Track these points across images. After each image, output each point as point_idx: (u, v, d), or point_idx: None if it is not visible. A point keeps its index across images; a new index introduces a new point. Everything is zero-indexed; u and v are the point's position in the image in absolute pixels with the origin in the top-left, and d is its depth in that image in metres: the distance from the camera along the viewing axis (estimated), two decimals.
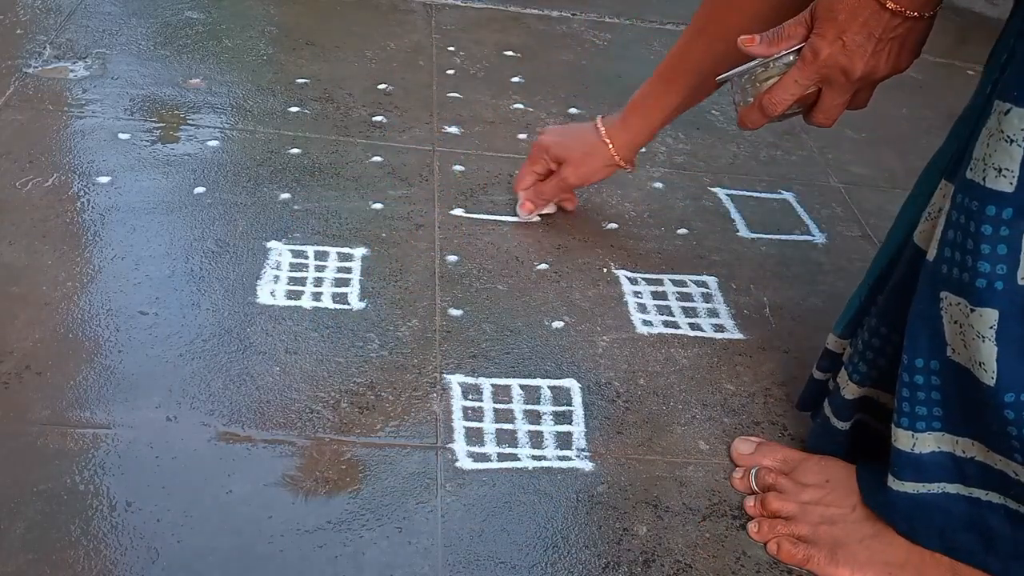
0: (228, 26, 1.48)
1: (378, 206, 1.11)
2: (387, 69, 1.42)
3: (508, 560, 0.73)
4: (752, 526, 0.79)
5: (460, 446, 0.82)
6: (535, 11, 1.67)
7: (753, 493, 0.82)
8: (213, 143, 1.18)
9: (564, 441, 0.85)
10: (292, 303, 0.95)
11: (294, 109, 1.28)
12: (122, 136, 1.17)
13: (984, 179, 0.65)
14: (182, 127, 1.21)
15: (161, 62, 1.35)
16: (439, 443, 0.82)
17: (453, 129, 1.29)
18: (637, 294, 1.04)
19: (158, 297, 0.93)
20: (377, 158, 1.20)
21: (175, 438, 0.79)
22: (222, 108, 1.26)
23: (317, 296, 0.97)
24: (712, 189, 1.24)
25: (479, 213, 1.13)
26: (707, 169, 1.28)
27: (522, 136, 1.30)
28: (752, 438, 0.87)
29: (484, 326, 0.96)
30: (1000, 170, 0.64)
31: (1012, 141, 0.63)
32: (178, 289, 0.95)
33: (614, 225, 1.14)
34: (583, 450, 0.84)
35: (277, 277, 0.98)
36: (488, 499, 0.78)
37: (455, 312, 0.97)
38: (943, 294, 0.69)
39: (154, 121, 1.21)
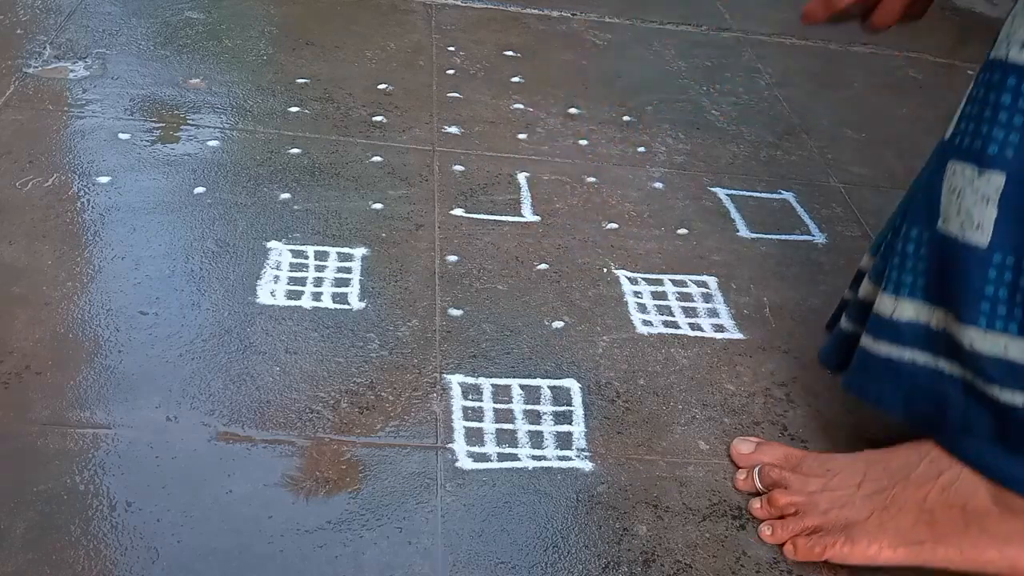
0: (228, 26, 1.48)
1: (378, 206, 1.11)
2: (387, 69, 1.42)
3: (508, 560, 0.73)
4: (765, 529, 0.78)
5: (460, 446, 0.82)
6: (535, 11, 1.67)
7: (758, 494, 0.82)
8: (213, 143, 1.18)
9: (564, 441, 0.85)
10: (292, 303, 0.95)
11: (294, 109, 1.28)
12: (122, 136, 1.17)
13: (1008, 55, 0.68)
14: (182, 127, 1.21)
15: (161, 62, 1.35)
16: (439, 443, 0.82)
17: (453, 129, 1.29)
18: (637, 294, 1.04)
19: (158, 297, 0.94)
20: (377, 158, 1.20)
21: (175, 438, 0.79)
22: (222, 108, 1.26)
23: (317, 296, 0.97)
24: (712, 189, 1.24)
25: (479, 213, 1.13)
26: (707, 169, 1.28)
27: (522, 136, 1.30)
28: (751, 438, 0.87)
29: (484, 326, 0.96)
30: (1023, 45, 0.67)
31: None
32: (178, 289, 0.95)
33: (614, 225, 1.14)
34: (583, 450, 0.84)
35: (277, 277, 0.98)
36: (488, 499, 0.78)
37: (455, 312, 0.97)
38: (950, 163, 0.72)
39: (154, 121, 1.21)
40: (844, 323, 0.87)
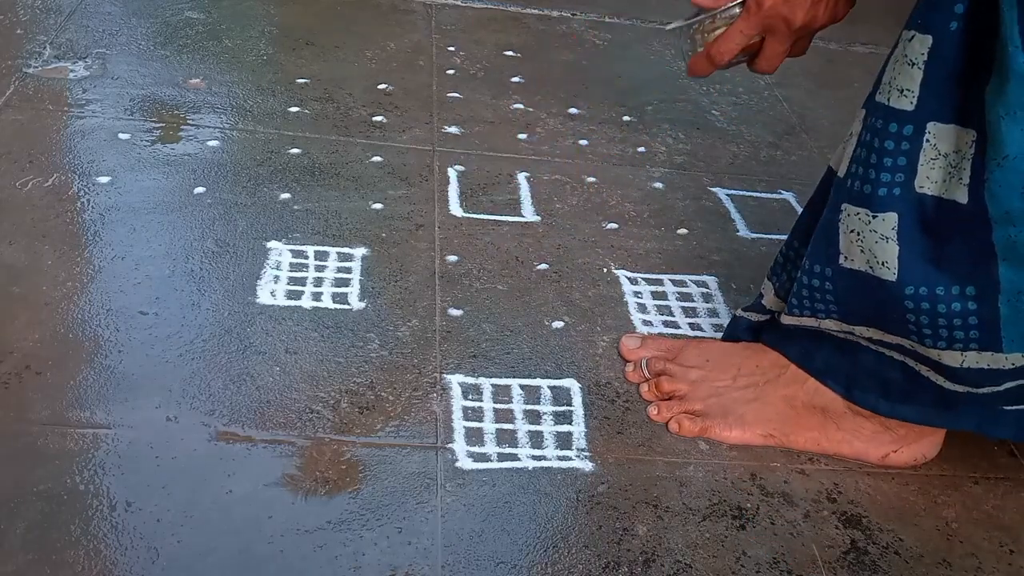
0: (228, 26, 1.48)
1: (378, 206, 1.11)
2: (387, 69, 1.42)
3: (508, 560, 0.73)
4: (652, 409, 0.88)
5: (460, 446, 0.82)
6: (535, 11, 1.67)
7: (646, 380, 0.91)
8: (213, 143, 1.18)
9: (564, 441, 0.85)
10: (292, 303, 0.95)
11: (294, 109, 1.28)
12: (122, 136, 1.17)
13: (889, 99, 0.74)
14: (182, 127, 1.21)
15: (161, 62, 1.35)
16: (439, 443, 0.82)
17: (453, 129, 1.29)
18: (637, 294, 1.04)
19: (158, 297, 0.93)
20: (377, 158, 1.20)
21: (175, 438, 0.79)
22: (222, 108, 1.26)
23: (317, 296, 0.97)
24: (712, 189, 1.24)
25: (479, 213, 1.13)
26: (707, 169, 1.28)
27: (522, 136, 1.30)
28: (637, 334, 0.96)
29: (484, 326, 0.96)
30: (903, 91, 0.73)
31: (913, 64, 0.72)
32: (178, 289, 0.95)
33: (614, 225, 1.14)
34: (583, 450, 0.84)
35: (277, 277, 0.98)
36: (488, 499, 0.78)
37: (455, 312, 0.97)
38: (844, 206, 0.77)
39: (154, 121, 1.21)
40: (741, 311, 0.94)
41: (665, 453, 0.85)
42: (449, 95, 1.37)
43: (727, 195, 1.23)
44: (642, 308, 1.02)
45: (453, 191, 1.16)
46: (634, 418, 0.88)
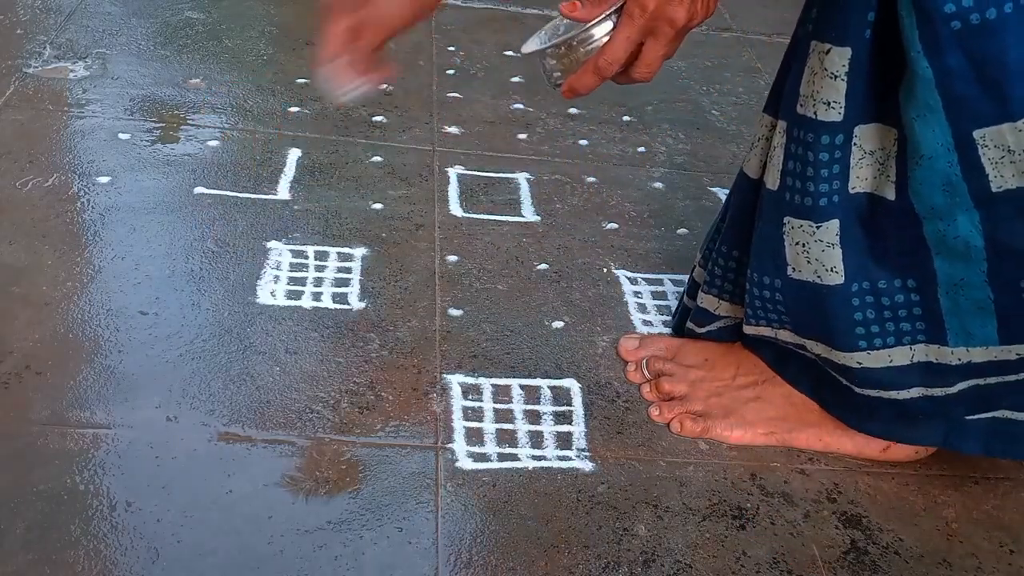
0: (228, 26, 1.48)
1: (378, 206, 1.11)
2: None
3: (508, 560, 0.73)
4: (653, 410, 0.88)
5: (460, 446, 0.82)
6: (535, 11, 1.67)
7: (647, 381, 0.91)
8: (213, 143, 1.18)
9: (564, 441, 0.85)
10: (292, 303, 0.95)
11: (294, 109, 1.28)
12: (122, 136, 1.17)
13: (816, 113, 0.74)
14: (182, 127, 1.21)
15: (161, 62, 1.35)
16: (439, 443, 0.82)
17: (453, 129, 1.29)
18: (637, 294, 1.04)
19: (158, 297, 0.93)
20: (377, 158, 1.20)
21: (175, 438, 0.79)
22: (222, 108, 1.26)
23: (317, 296, 0.97)
24: (712, 189, 1.24)
25: (479, 213, 1.13)
26: (707, 169, 1.28)
27: (522, 136, 1.30)
28: (635, 334, 0.96)
29: (484, 326, 0.96)
30: (829, 103, 0.73)
31: (836, 77, 0.73)
32: (178, 289, 0.95)
33: (614, 225, 1.14)
34: (583, 450, 0.84)
35: (277, 277, 0.98)
36: (488, 499, 0.78)
37: (455, 312, 0.97)
38: (786, 219, 0.78)
39: (154, 121, 1.21)
40: (691, 324, 0.94)
41: (665, 453, 0.85)
42: (449, 95, 1.37)
43: (727, 195, 1.23)
44: (642, 308, 1.02)
45: (453, 191, 1.16)
46: (634, 418, 0.88)
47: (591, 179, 1.22)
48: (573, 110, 1.37)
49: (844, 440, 0.86)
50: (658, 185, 1.23)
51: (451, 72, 1.44)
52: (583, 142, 1.30)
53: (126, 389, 0.83)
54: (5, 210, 1.02)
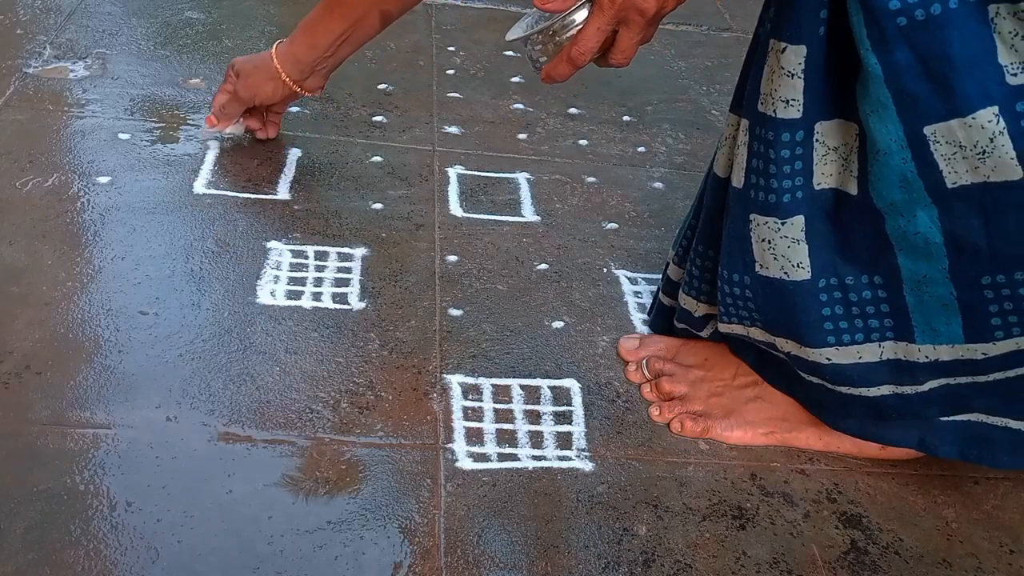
0: (228, 26, 1.48)
1: (378, 206, 1.11)
2: (387, 69, 1.42)
3: (508, 560, 0.73)
4: (654, 410, 0.89)
5: (460, 446, 0.82)
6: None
7: (647, 381, 0.91)
8: (213, 143, 1.18)
9: (564, 441, 0.85)
10: (292, 303, 0.95)
11: (294, 109, 1.28)
12: (122, 136, 1.17)
13: (775, 111, 0.74)
14: (182, 127, 1.21)
15: (161, 62, 1.35)
16: (439, 443, 0.82)
17: (453, 129, 1.29)
18: (637, 294, 1.04)
19: (158, 297, 0.93)
20: (377, 158, 1.20)
21: (175, 438, 0.79)
22: None
23: (317, 296, 0.97)
24: None
25: (479, 213, 1.13)
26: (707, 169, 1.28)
27: (522, 136, 1.30)
28: (635, 335, 0.96)
29: (484, 326, 0.96)
30: (788, 101, 0.74)
31: (792, 75, 0.73)
32: (178, 289, 0.95)
33: (614, 225, 1.14)
34: (583, 450, 0.84)
35: (277, 277, 0.98)
36: (488, 499, 0.78)
37: (455, 312, 0.97)
38: (752, 216, 0.79)
39: (154, 121, 1.21)
40: (688, 328, 0.94)
41: (665, 453, 0.85)
42: (449, 95, 1.37)
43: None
44: (642, 308, 1.02)
45: (453, 191, 1.16)
46: (634, 418, 0.88)
47: (591, 179, 1.22)
48: (573, 110, 1.37)
49: (844, 439, 0.86)
50: (658, 185, 1.23)
51: (451, 72, 1.44)
52: (583, 142, 1.30)
53: (126, 389, 0.83)
54: (5, 210, 1.02)
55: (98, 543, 0.70)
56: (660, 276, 1.06)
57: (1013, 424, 0.81)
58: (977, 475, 0.88)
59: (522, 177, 1.21)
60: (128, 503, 0.73)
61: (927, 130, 0.68)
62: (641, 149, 1.31)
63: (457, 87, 1.40)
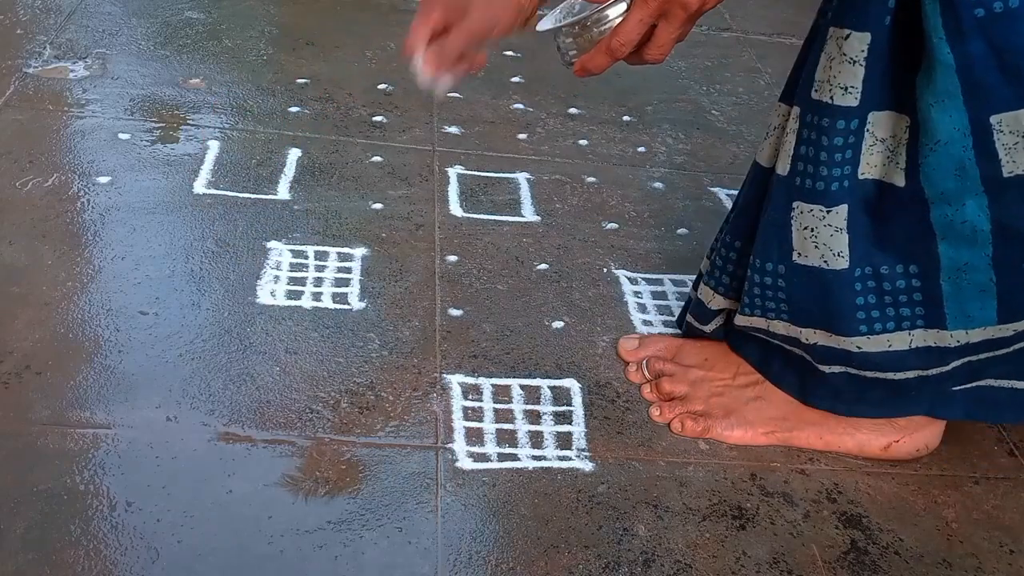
0: (228, 26, 1.48)
1: (378, 206, 1.11)
2: (387, 69, 1.42)
3: (508, 560, 0.73)
4: (654, 410, 0.89)
5: (460, 446, 0.82)
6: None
7: (647, 381, 0.91)
8: (213, 143, 1.18)
9: (564, 441, 0.85)
10: (292, 303, 0.95)
11: (294, 109, 1.28)
12: (122, 136, 1.17)
13: (832, 98, 0.75)
14: (182, 127, 1.21)
15: (161, 62, 1.35)
16: (439, 443, 0.82)
17: (453, 129, 1.29)
18: (637, 294, 1.04)
19: (158, 297, 0.93)
20: (377, 158, 1.20)
21: (175, 438, 0.79)
22: (222, 108, 1.26)
23: (317, 296, 0.97)
24: (712, 189, 1.24)
25: (479, 213, 1.13)
26: (707, 169, 1.28)
27: (522, 136, 1.30)
28: (635, 335, 0.96)
29: (484, 326, 0.96)
30: (846, 88, 0.74)
31: (855, 62, 0.73)
32: (178, 289, 0.95)
33: (614, 225, 1.14)
34: (583, 450, 0.84)
35: (277, 277, 0.98)
36: (488, 499, 0.78)
37: (455, 312, 0.97)
38: (795, 204, 0.79)
39: (154, 121, 1.21)
40: (690, 318, 0.94)
41: (665, 453, 0.85)
42: (449, 95, 1.37)
43: (727, 195, 1.23)
44: (642, 308, 1.02)
45: (453, 191, 1.16)
46: (634, 418, 0.88)
47: (591, 179, 1.22)
48: (573, 110, 1.37)
49: (845, 438, 0.87)
50: (658, 185, 1.23)
51: None
52: (583, 142, 1.30)
53: (126, 389, 0.83)
54: (5, 210, 1.02)
55: (98, 543, 0.70)
56: (660, 276, 1.07)
57: (1019, 385, 0.83)
58: (977, 475, 0.88)
59: (522, 177, 1.21)
60: (128, 503, 0.73)
61: (993, 119, 0.69)
62: (641, 149, 1.31)
63: (457, 87, 1.40)
